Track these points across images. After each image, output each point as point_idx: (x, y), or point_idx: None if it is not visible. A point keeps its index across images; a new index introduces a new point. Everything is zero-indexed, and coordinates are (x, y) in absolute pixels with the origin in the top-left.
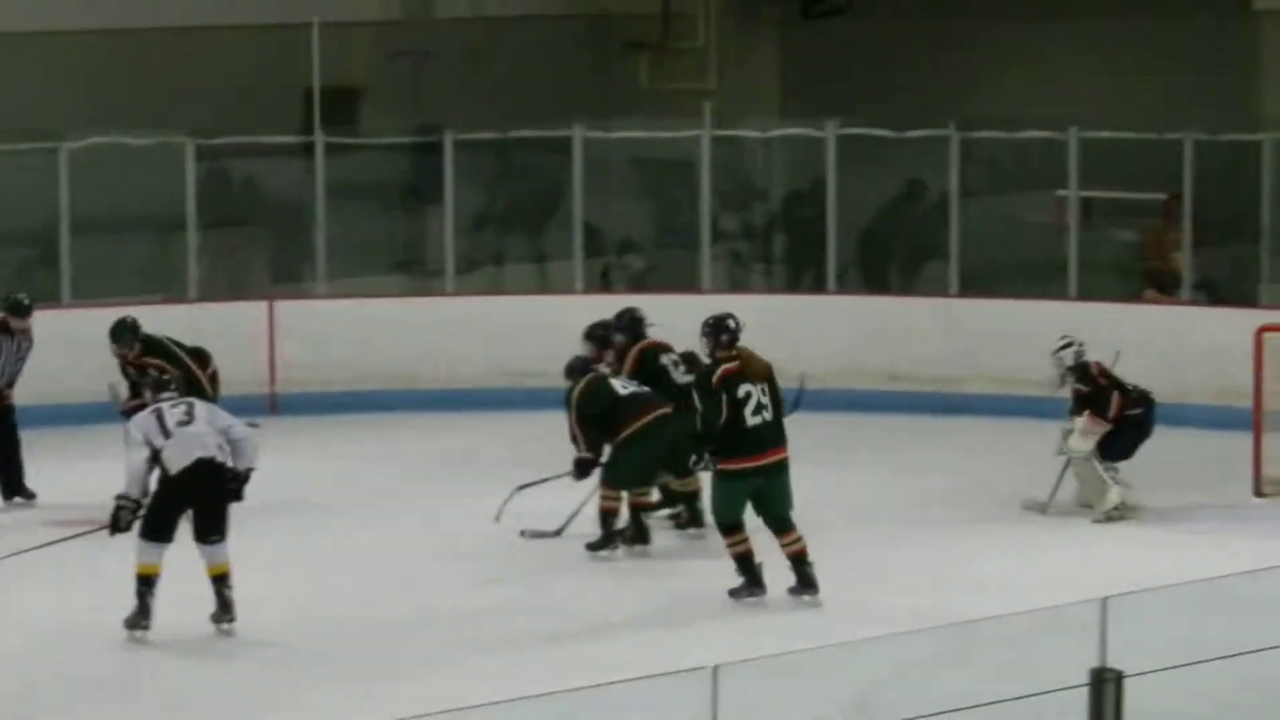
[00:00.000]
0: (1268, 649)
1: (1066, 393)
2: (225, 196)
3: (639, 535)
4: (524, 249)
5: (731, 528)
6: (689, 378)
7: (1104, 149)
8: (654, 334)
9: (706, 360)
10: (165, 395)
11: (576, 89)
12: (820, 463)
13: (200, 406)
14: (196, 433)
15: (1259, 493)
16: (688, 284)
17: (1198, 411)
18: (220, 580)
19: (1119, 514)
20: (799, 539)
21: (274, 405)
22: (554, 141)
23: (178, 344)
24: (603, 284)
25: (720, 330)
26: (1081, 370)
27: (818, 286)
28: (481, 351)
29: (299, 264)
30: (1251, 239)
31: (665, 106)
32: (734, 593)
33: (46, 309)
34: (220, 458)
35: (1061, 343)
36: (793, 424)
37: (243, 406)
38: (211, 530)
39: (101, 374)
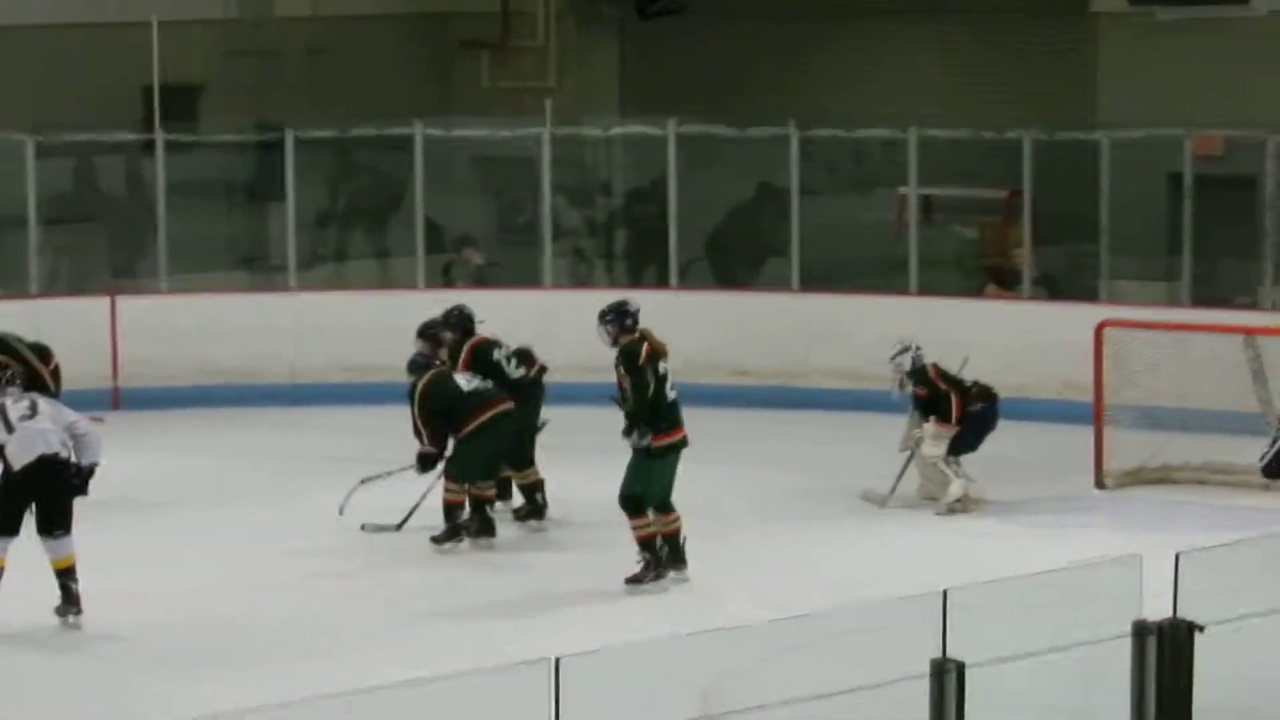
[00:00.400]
0: (1105, 640)
1: (908, 394)
2: (66, 193)
3: (484, 528)
4: (366, 246)
5: (641, 509)
6: (520, 373)
7: (944, 147)
8: (483, 330)
9: (617, 347)
10: (9, 390)
11: (417, 87)
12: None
13: (44, 402)
14: (40, 429)
15: (1100, 485)
16: (530, 280)
17: (1040, 406)
18: (65, 574)
19: (961, 506)
20: (678, 518)
21: (117, 400)
22: (395, 139)
23: (19, 340)
24: (445, 280)
25: (624, 315)
26: (920, 374)
27: (661, 282)
28: (325, 347)
29: (141, 260)
30: (1091, 236)
31: (506, 105)
32: (636, 579)
33: None
34: (64, 453)
35: (898, 348)
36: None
37: (86, 401)
38: (55, 525)
39: None
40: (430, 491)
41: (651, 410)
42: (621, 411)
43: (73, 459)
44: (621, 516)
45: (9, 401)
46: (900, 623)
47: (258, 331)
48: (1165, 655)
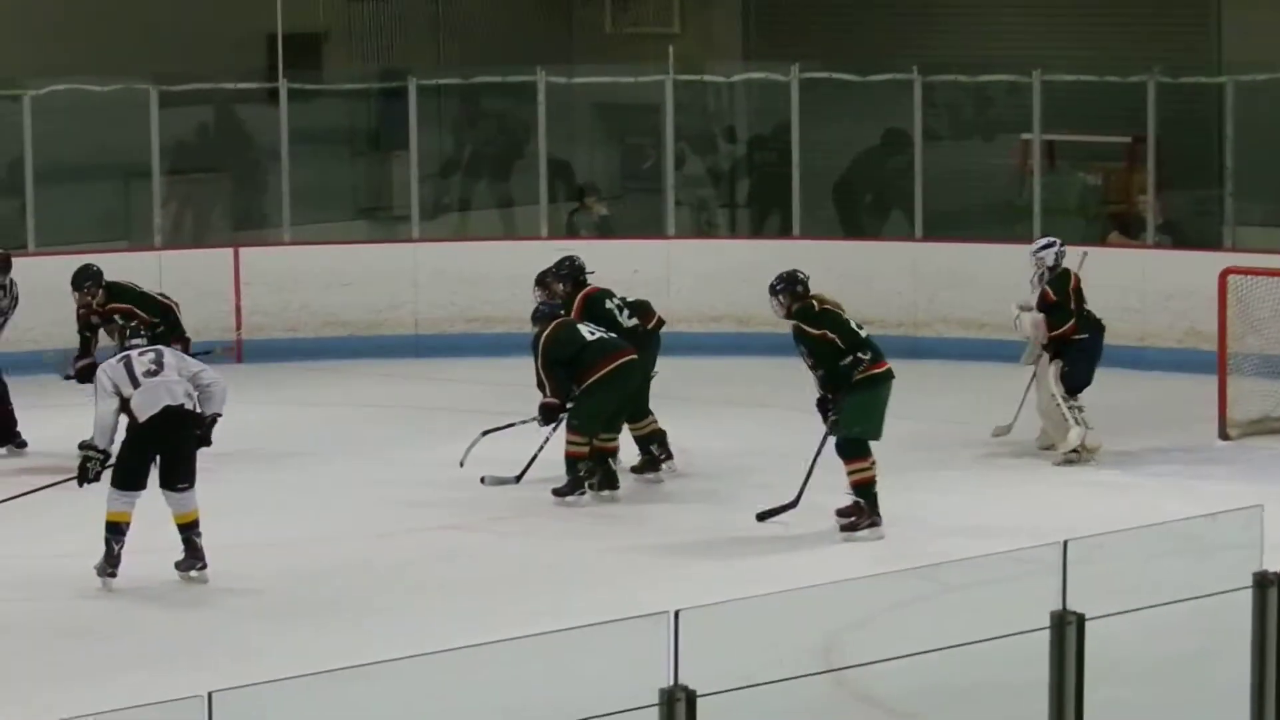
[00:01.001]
0: (1227, 591)
1: (1033, 300)
2: (189, 143)
3: (607, 480)
4: (489, 195)
5: (861, 451)
6: (633, 323)
7: (1067, 92)
8: (595, 280)
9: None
10: (134, 342)
11: (540, 34)
12: (793, 408)
13: (169, 354)
14: (165, 380)
15: (1224, 435)
16: (653, 229)
17: (1163, 355)
18: (189, 528)
19: (1077, 456)
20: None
21: (240, 353)
22: (518, 86)
23: (140, 290)
24: (568, 229)
25: (795, 283)
26: (1061, 277)
27: (784, 231)
28: (448, 297)
29: (264, 211)
30: (1215, 182)
31: (628, 51)
32: (851, 526)
33: (13, 257)
34: (189, 405)
35: (1045, 241)
36: (774, 370)
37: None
38: (179, 478)
39: (69, 322)
40: (548, 443)
41: (853, 345)
42: (818, 382)
43: (197, 410)
44: (744, 468)
45: (134, 354)
46: (1021, 574)
47: (381, 282)
48: None
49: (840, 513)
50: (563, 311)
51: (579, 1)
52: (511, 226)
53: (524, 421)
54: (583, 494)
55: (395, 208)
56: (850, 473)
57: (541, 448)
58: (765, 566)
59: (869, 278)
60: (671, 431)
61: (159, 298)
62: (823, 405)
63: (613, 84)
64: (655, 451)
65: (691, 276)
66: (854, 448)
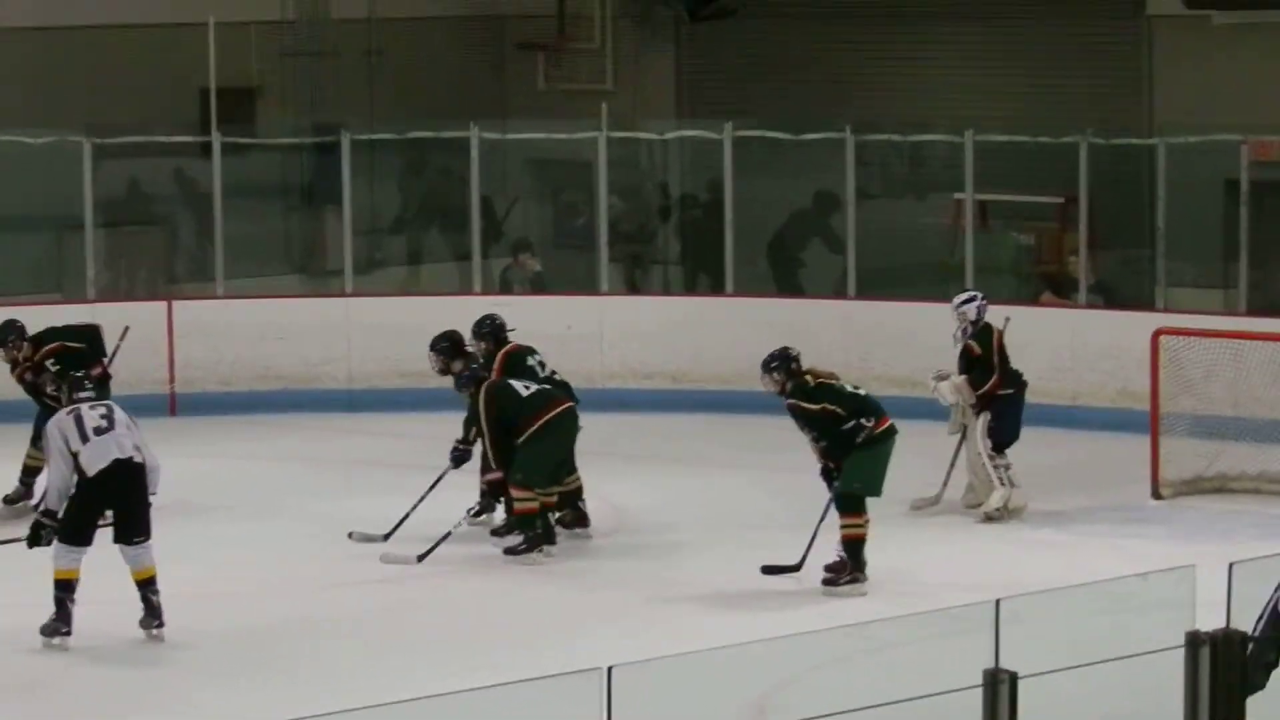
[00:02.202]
0: (1159, 650)
1: (954, 358)
2: (122, 196)
3: (544, 536)
4: (423, 249)
5: (860, 508)
6: (557, 377)
7: (999, 152)
8: (515, 337)
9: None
10: (82, 395)
11: (473, 90)
12: (727, 465)
13: (119, 411)
14: (115, 435)
15: (1156, 495)
16: (586, 285)
17: (1095, 414)
18: (146, 585)
19: (999, 515)
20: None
21: (174, 405)
22: (451, 142)
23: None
24: (501, 285)
25: (789, 360)
26: (984, 332)
27: (716, 288)
28: (382, 351)
29: (198, 264)
30: (1147, 242)
31: (562, 108)
32: (831, 581)
33: None
34: (138, 459)
35: (966, 295)
36: (707, 427)
37: (142, 406)
38: (135, 532)
39: (2, 370)
40: (421, 503)
41: (855, 411)
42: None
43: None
44: (674, 524)
45: (84, 408)
46: (953, 632)
47: (314, 336)
48: (1219, 666)
49: (827, 568)
50: (486, 373)
51: (513, 58)
52: (445, 281)
53: (439, 478)
54: (541, 551)
55: (329, 261)
56: (843, 526)
57: (415, 507)
58: (697, 623)
59: (802, 334)
60: (604, 488)
61: (80, 326)
62: (826, 474)
63: (546, 140)
64: (581, 507)
65: (624, 333)
66: (851, 503)
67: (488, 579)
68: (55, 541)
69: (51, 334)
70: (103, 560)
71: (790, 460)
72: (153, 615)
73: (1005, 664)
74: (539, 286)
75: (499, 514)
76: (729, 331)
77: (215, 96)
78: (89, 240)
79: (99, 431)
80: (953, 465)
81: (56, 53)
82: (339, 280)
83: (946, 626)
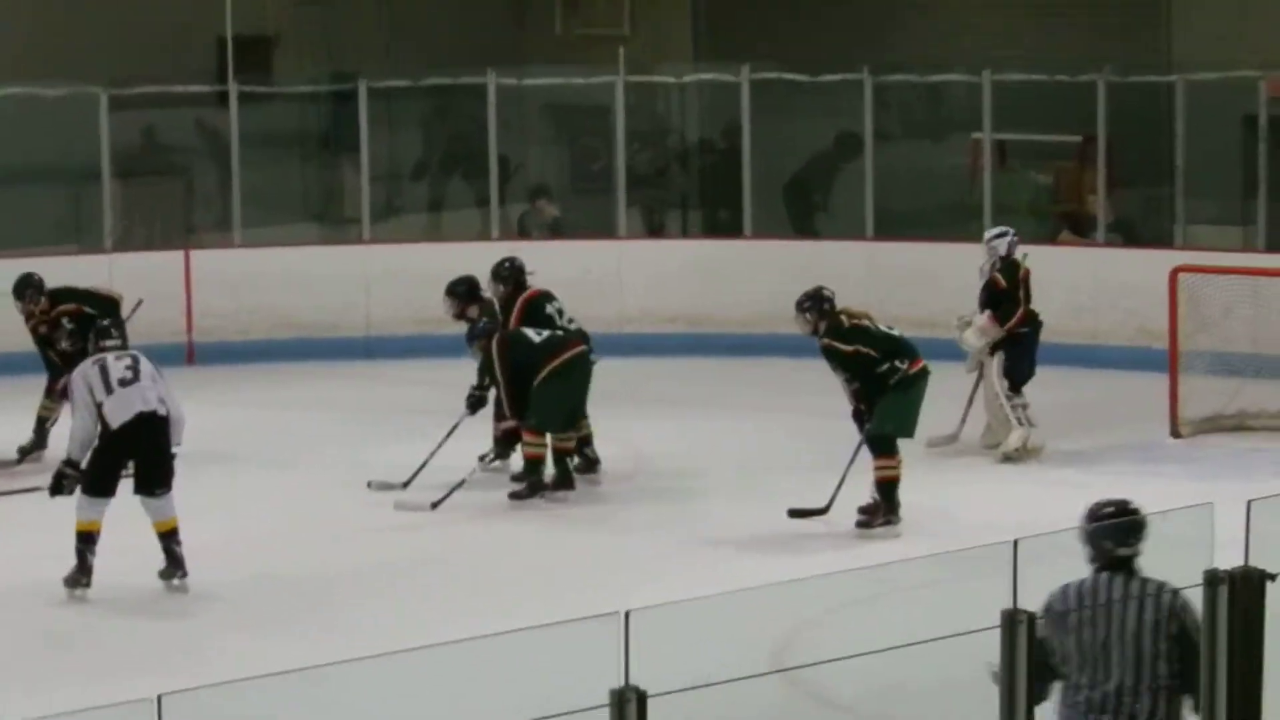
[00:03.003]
0: (1179, 589)
1: (975, 302)
2: (139, 146)
3: (563, 481)
4: (441, 196)
5: (892, 449)
6: (574, 327)
7: (1017, 92)
8: (534, 282)
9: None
10: (108, 344)
11: (490, 36)
12: (747, 408)
13: (145, 362)
14: (139, 387)
15: (1175, 434)
16: (604, 230)
17: (1114, 353)
18: (168, 536)
19: (1018, 455)
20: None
21: (191, 355)
22: (468, 89)
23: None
24: (519, 231)
25: (823, 301)
26: (1011, 266)
27: (734, 231)
28: (399, 299)
29: (215, 214)
30: (1166, 180)
31: (579, 53)
32: (865, 524)
33: None
34: (162, 411)
35: (997, 230)
36: (726, 370)
37: (160, 355)
38: (156, 483)
39: (17, 321)
40: (439, 450)
41: (889, 353)
42: (852, 395)
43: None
44: (694, 468)
45: (110, 358)
46: (971, 573)
47: (332, 284)
48: (1237, 604)
49: (861, 510)
50: (495, 326)
51: (530, 3)
52: (463, 228)
53: (455, 427)
54: (541, 496)
55: (346, 210)
56: (877, 468)
57: (433, 454)
58: (718, 567)
59: (821, 277)
60: (623, 432)
61: (103, 293)
62: (858, 416)
63: (563, 85)
64: (589, 454)
65: (643, 277)
66: (883, 445)
67: (505, 525)
68: (78, 492)
69: (69, 294)
70: (125, 511)
71: (810, 403)
72: (175, 566)
73: (1023, 605)
74: (557, 231)
75: (516, 460)
76: (748, 274)
77: (232, 46)
78: (106, 192)
79: (124, 383)
80: (970, 404)
81: (72, 4)
82: (356, 228)
83: (965, 567)
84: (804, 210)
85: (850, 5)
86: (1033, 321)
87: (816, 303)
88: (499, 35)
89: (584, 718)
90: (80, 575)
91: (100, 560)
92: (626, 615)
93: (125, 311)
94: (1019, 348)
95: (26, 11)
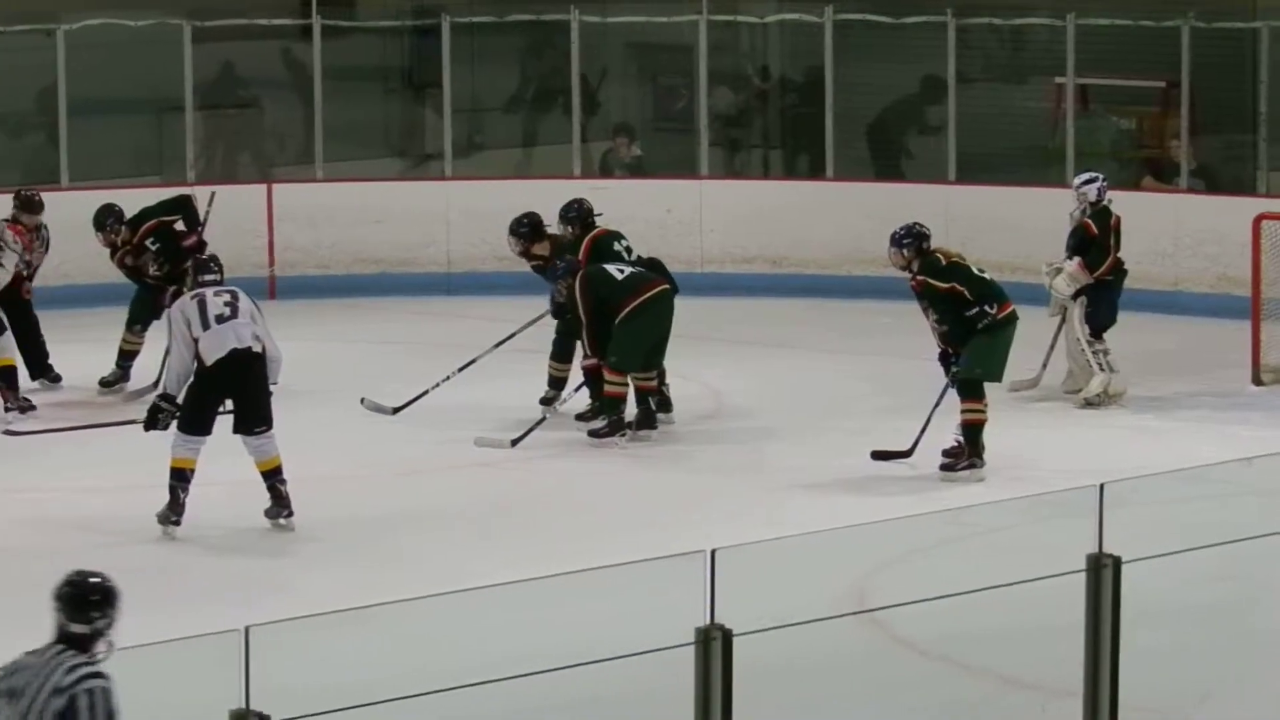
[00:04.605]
0: (1262, 536)
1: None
2: (223, 79)
3: (645, 421)
4: (524, 133)
5: (980, 392)
6: (646, 259)
7: (1100, 36)
8: (603, 222)
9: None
10: (207, 279)
11: None
12: (825, 350)
13: (244, 298)
14: (234, 324)
15: (1257, 381)
16: (685, 169)
17: (1196, 300)
18: (272, 475)
19: (1099, 400)
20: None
21: (273, 289)
22: (551, 25)
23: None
24: (601, 169)
25: (920, 238)
26: (1102, 214)
27: (816, 172)
28: (480, 236)
29: (297, 148)
30: (1249, 127)
31: None
32: (949, 466)
33: (46, 191)
34: (256, 348)
35: (1087, 176)
36: (805, 311)
37: (242, 289)
38: (255, 422)
39: (102, 256)
40: (445, 382)
41: (981, 296)
42: (940, 337)
43: (266, 352)
44: (772, 409)
45: (209, 293)
46: (1055, 516)
47: (413, 220)
48: None
49: (945, 453)
50: (569, 260)
51: None
52: (545, 165)
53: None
54: (623, 435)
55: (429, 145)
56: (964, 411)
57: (436, 386)
58: (797, 508)
59: (902, 220)
60: (702, 372)
61: (170, 200)
62: (945, 359)
63: (646, 23)
64: (664, 391)
65: (724, 217)
66: (971, 388)
67: (582, 463)
68: (173, 428)
69: (145, 214)
70: (222, 446)
71: (889, 345)
72: (281, 505)
73: (1109, 549)
74: (638, 171)
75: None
76: (829, 216)
77: None
78: (189, 123)
79: (220, 319)
80: (1052, 348)
81: None
82: (438, 164)
83: (1048, 511)
84: (887, 153)
85: None
86: (1118, 270)
87: (916, 239)
88: None
89: (670, 655)
90: (171, 513)
91: (197, 490)
92: (712, 554)
93: (201, 208)
94: (1103, 294)
95: None
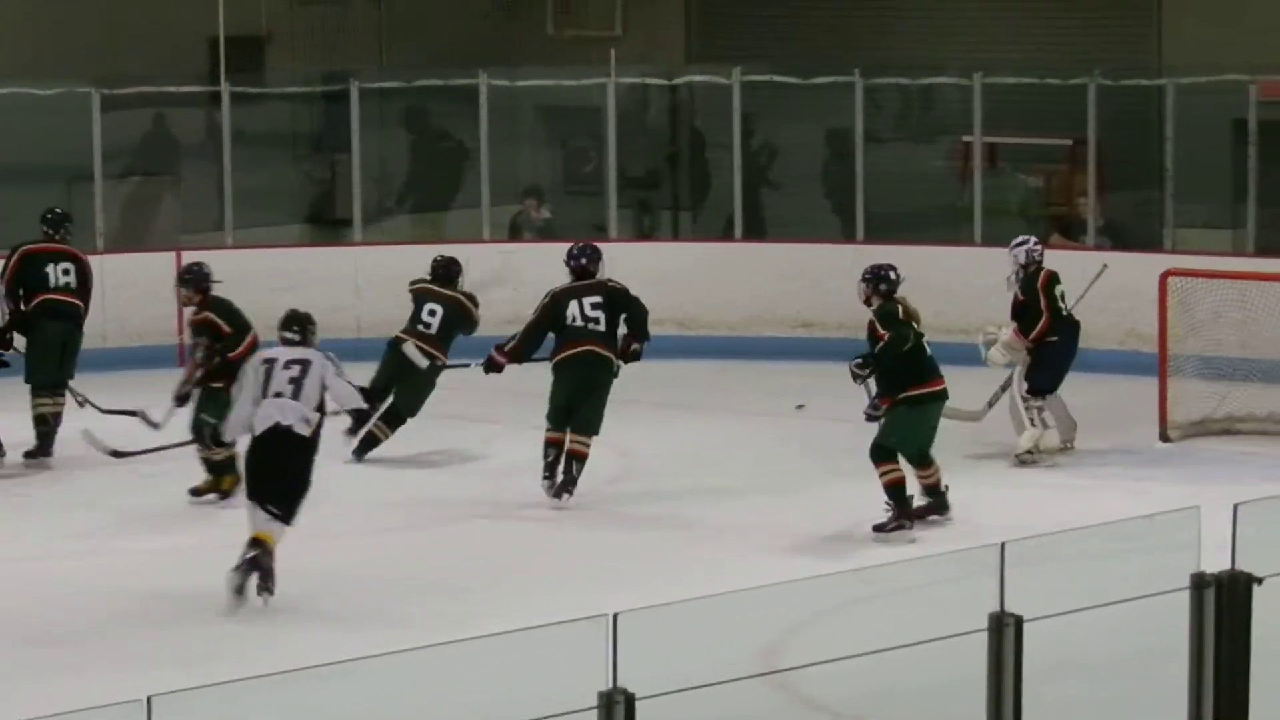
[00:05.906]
0: (1165, 592)
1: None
2: (131, 146)
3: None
4: (432, 198)
5: (889, 457)
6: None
7: (1008, 94)
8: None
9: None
10: (287, 335)
11: (482, 37)
12: (736, 411)
13: (313, 373)
14: (280, 404)
15: (1164, 437)
16: (595, 232)
17: (1104, 356)
18: (257, 544)
19: (1030, 458)
20: (937, 469)
21: (183, 356)
22: (460, 90)
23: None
24: (510, 232)
25: (881, 280)
26: (1031, 278)
27: (725, 233)
28: (391, 300)
29: (206, 214)
30: (1156, 183)
31: (571, 54)
32: (881, 527)
33: None
34: (299, 429)
35: (1019, 239)
36: (716, 373)
37: (149, 356)
38: (273, 499)
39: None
40: (175, 447)
41: (911, 364)
42: (861, 383)
43: (316, 434)
44: (683, 470)
45: (279, 364)
46: (958, 576)
47: (323, 285)
48: (1224, 607)
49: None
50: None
51: (522, 4)
52: (454, 230)
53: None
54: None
55: (338, 210)
56: (881, 474)
57: (174, 446)
58: (705, 569)
59: (812, 279)
60: (615, 434)
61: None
62: (861, 367)
63: (555, 87)
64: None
65: (633, 279)
66: (881, 452)
67: (488, 526)
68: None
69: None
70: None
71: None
72: (248, 571)
73: (1011, 607)
74: (548, 233)
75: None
76: (738, 277)
77: (224, 46)
78: (98, 191)
79: (278, 395)
80: (1002, 390)
81: (65, 3)
82: (348, 230)
83: (953, 570)
84: (796, 213)
85: (841, 7)
86: (1063, 330)
87: (876, 280)
88: (491, 36)
89: None
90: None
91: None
92: (614, 617)
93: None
94: (1044, 354)
95: (19, 10)
